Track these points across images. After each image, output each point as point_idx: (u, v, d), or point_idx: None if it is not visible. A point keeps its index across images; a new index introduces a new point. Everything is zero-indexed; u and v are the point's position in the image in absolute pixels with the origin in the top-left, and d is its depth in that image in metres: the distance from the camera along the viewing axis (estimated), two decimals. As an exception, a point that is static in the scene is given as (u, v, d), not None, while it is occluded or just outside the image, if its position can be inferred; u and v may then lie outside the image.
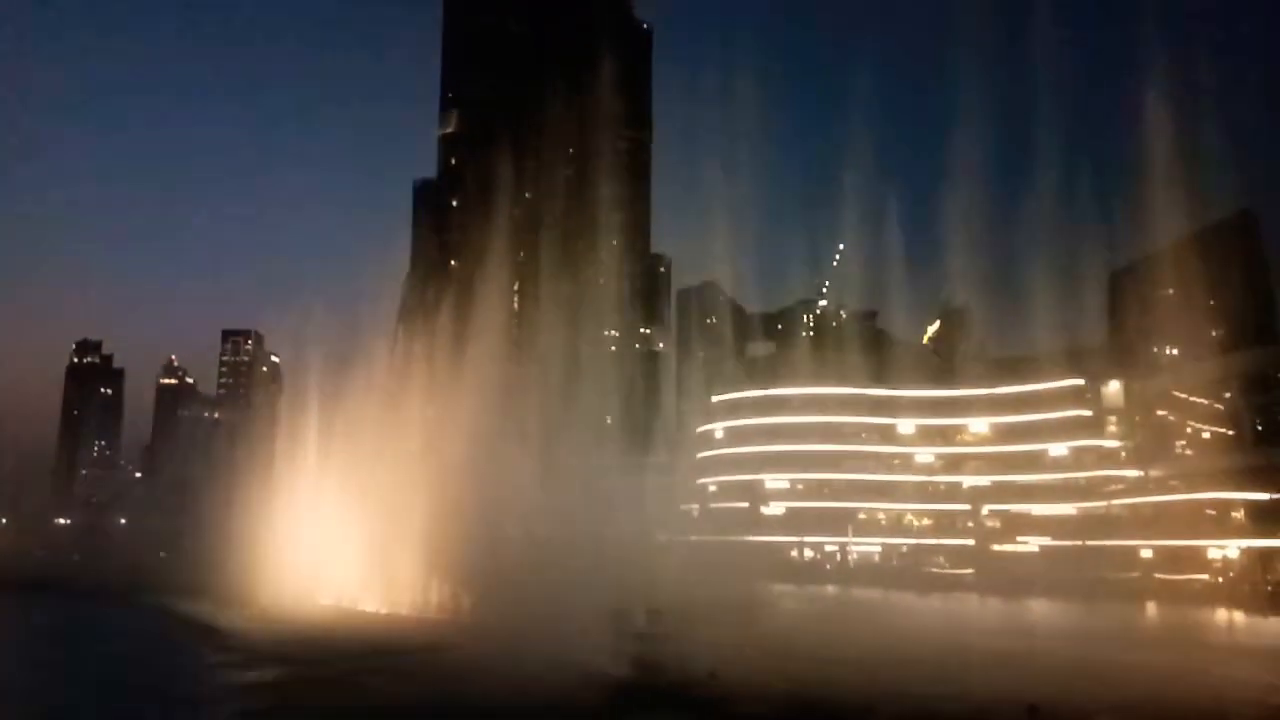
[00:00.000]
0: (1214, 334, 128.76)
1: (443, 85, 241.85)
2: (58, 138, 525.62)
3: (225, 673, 34.28)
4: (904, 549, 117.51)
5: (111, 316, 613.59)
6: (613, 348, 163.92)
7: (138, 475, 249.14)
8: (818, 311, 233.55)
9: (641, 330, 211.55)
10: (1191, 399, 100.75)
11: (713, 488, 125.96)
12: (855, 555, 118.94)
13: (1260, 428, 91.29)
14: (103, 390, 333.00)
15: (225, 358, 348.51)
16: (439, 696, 28.14)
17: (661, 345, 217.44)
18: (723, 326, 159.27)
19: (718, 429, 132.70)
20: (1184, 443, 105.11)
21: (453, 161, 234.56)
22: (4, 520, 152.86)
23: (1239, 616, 65.88)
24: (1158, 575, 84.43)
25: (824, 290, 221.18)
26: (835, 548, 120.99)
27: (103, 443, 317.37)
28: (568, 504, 52.31)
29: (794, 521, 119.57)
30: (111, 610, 62.96)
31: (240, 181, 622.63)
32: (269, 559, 59.44)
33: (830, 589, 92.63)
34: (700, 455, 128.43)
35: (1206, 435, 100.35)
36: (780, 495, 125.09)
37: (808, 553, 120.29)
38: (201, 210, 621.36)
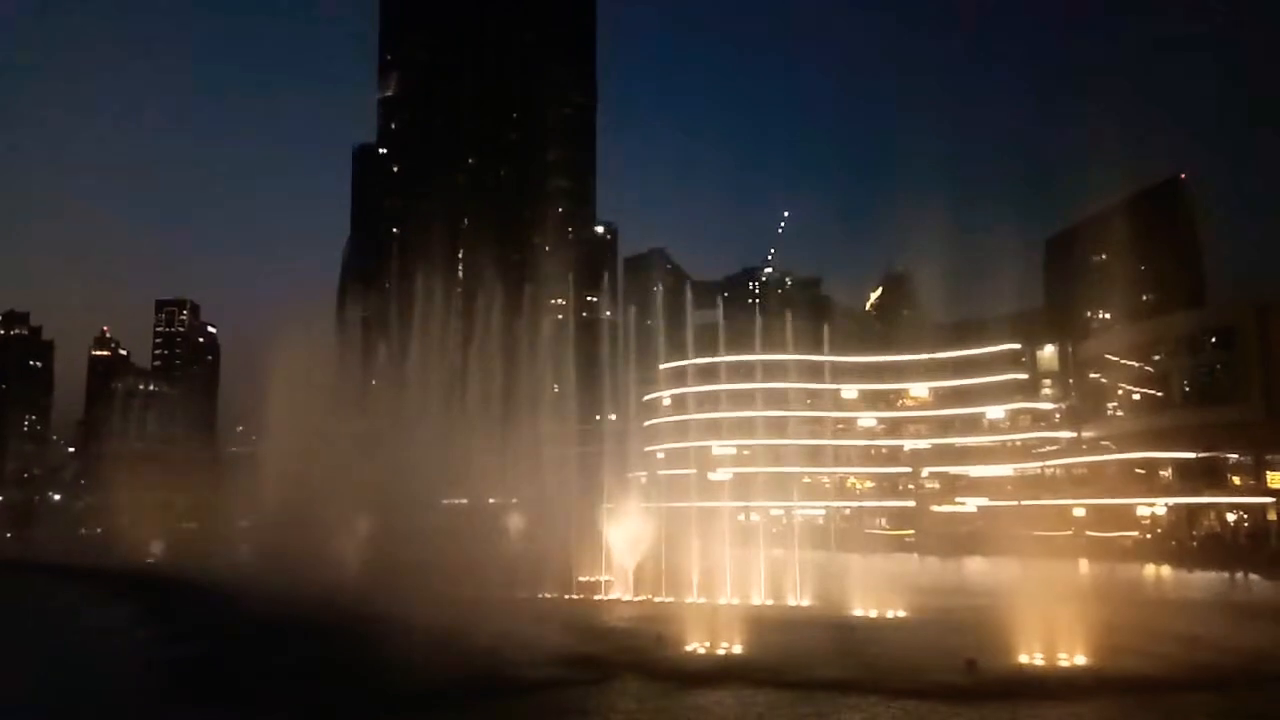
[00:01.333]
0: (1145, 298, 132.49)
1: (381, 47, 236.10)
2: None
3: (153, 647, 33.59)
4: (847, 511, 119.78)
5: (39, 287, 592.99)
6: (559, 316, 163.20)
7: (70, 450, 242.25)
8: (763, 279, 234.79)
9: (588, 298, 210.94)
10: (1122, 362, 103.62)
11: (661, 455, 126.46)
12: (800, 519, 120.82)
13: (1188, 389, 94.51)
14: (31, 363, 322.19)
15: (160, 328, 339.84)
16: (385, 668, 27.73)
17: (608, 313, 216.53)
18: (669, 294, 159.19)
19: (665, 397, 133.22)
20: (1115, 404, 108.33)
21: (393, 126, 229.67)
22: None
23: (1166, 571, 68.58)
24: (1090, 533, 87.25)
25: (770, 258, 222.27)
26: (781, 512, 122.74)
27: (33, 417, 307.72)
28: (515, 474, 52.15)
29: (740, 487, 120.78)
30: (43, 586, 61.33)
31: (173, 146, 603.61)
32: (209, 533, 58.37)
33: (776, 552, 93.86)
34: (648, 423, 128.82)
35: (1137, 397, 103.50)
36: (727, 461, 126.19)
37: (754, 517, 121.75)
38: (133, 175, 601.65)
